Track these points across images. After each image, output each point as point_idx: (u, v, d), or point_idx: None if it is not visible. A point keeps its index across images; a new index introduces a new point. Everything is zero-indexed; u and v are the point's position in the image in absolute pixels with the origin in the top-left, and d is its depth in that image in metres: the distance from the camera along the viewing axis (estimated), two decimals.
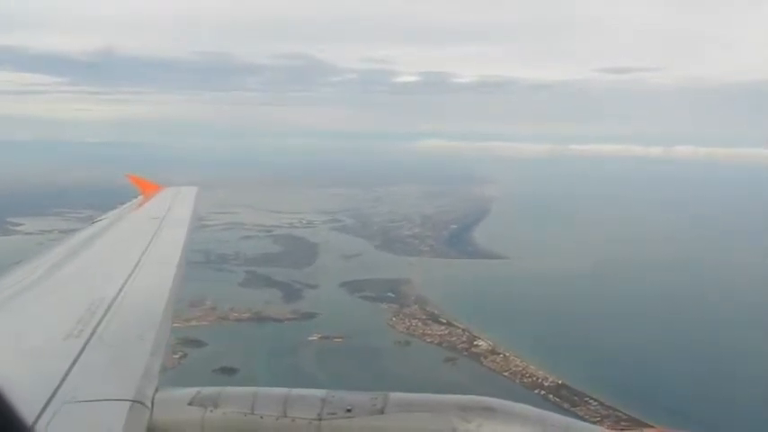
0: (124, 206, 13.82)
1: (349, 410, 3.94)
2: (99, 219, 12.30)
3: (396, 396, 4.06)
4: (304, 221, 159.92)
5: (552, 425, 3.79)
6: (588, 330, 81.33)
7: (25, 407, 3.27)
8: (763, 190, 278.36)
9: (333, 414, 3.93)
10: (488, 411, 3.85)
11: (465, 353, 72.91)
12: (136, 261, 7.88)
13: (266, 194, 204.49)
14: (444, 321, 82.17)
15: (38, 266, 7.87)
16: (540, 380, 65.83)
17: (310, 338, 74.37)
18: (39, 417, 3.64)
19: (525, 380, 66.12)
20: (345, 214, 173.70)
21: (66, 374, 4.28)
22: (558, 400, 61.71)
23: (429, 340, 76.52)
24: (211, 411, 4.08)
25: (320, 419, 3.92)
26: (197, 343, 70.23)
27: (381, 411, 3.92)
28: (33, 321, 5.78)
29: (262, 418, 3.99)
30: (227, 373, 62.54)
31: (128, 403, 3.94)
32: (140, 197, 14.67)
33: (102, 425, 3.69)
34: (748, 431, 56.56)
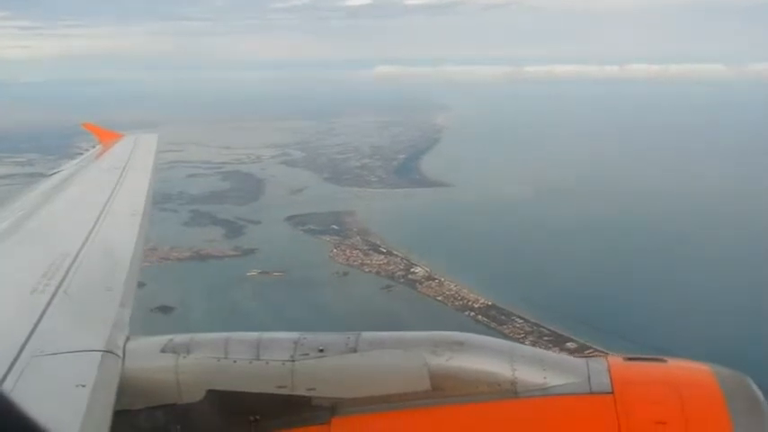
0: (83, 156, 13.47)
1: (321, 350, 4.01)
2: (56, 170, 11.92)
3: (367, 335, 4.12)
4: (253, 157, 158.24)
5: (521, 355, 3.94)
6: (522, 253, 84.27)
7: None
8: (717, 106, 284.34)
9: (305, 355, 4.00)
10: (458, 345, 3.97)
11: (402, 280, 75.12)
12: (99, 212, 7.70)
13: (216, 130, 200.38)
14: (384, 251, 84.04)
15: None
16: (470, 302, 68.55)
17: (249, 274, 75.52)
18: (7, 372, 3.58)
19: (456, 303, 68.81)
20: (296, 147, 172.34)
21: (34, 329, 4.17)
22: (485, 319, 64.68)
23: (367, 270, 78.45)
24: (184, 357, 4.10)
25: (293, 360, 3.98)
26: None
27: (354, 350, 4.00)
28: None
29: (235, 361, 4.03)
30: (164, 311, 63.38)
31: (99, 353, 3.88)
32: (99, 146, 14.22)
33: (74, 376, 3.57)
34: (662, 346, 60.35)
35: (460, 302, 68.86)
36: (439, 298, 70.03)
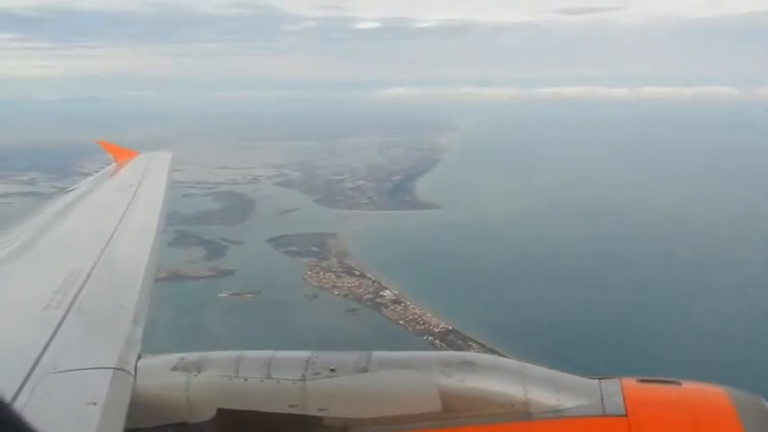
0: (98, 174, 13.76)
1: (333, 370, 4.02)
2: (72, 188, 12.20)
3: (378, 354, 4.13)
4: (249, 177, 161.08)
5: (533, 376, 3.94)
6: (494, 278, 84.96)
7: (5, 379, 3.68)
8: (727, 129, 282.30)
9: (317, 374, 4.01)
10: (469, 365, 3.97)
11: (368, 303, 76.37)
12: (113, 230, 7.84)
13: (218, 150, 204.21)
14: (357, 273, 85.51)
15: (13, 238, 7.81)
16: (431, 327, 69.62)
17: (220, 295, 77.43)
18: (20, 388, 3.62)
19: (418, 327, 69.87)
20: (293, 168, 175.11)
21: (47, 345, 4.20)
22: (443, 345, 65.49)
23: (337, 293, 79.83)
24: (195, 376, 4.13)
25: (305, 380, 4.00)
26: None
27: (365, 370, 4.00)
28: (9, 294, 5.68)
29: (246, 380, 4.05)
30: None
31: (111, 371, 3.91)
32: (113, 164, 14.46)
33: (86, 393, 3.60)
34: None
35: (422, 327, 69.96)
36: (401, 322, 71.15)
